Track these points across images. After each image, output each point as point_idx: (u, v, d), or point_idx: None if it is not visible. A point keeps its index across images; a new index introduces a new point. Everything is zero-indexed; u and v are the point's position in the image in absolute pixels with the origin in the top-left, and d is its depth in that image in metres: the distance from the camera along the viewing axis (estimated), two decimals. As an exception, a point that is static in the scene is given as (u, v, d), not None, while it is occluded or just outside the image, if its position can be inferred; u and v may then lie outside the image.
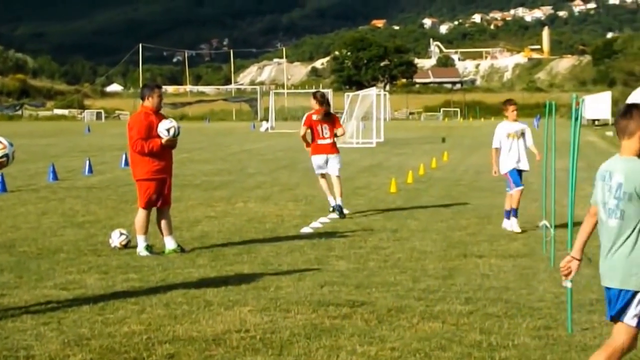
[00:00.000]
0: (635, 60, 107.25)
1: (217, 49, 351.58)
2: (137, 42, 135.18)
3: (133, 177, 12.99)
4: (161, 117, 12.84)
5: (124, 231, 13.32)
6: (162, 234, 12.87)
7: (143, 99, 12.87)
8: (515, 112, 15.86)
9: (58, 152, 39.03)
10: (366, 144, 44.99)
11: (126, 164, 30.03)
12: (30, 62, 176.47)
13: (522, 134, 15.57)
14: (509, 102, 16.33)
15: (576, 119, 8.30)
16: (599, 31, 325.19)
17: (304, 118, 16.99)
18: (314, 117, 16.89)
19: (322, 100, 17.03)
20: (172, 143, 12.65)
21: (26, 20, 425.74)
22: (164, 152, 12.68)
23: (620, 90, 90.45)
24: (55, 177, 24.68)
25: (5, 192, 21.18)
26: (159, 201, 12.77)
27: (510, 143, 15.40)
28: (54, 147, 43.73)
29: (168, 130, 12.52)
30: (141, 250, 12.61)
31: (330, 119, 17.11)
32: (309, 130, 17.01)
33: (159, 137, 12.53)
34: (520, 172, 15.45)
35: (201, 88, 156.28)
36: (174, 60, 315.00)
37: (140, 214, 12.78)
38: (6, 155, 9.02)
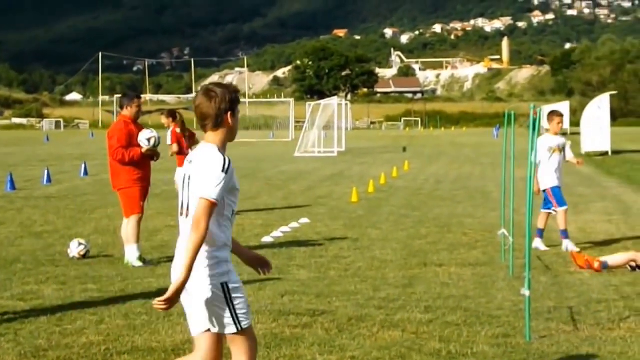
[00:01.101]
0: (593, 70, 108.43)
1: (178, 58, 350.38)
2: (97, 50, 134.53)
3: (113, 187, 12.87)
4: (140, 127, 12.80)
5: (82, 241, 13.21)
6: (127, 243, 12.70)
7: (122, 108, 12.80)
8: (560, 125, 14.52)
9: (16, 161, 38.67)
10: (328, 154, 45.05)
11: (86, 173, 29.87)
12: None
13: (564, 148, 14.60)
14: (554, 113, 14.57)
15: (534, 128, 8.36)
16: (557, 42, 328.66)
17: (170, 134, 16.93)
18: (177, 130, 16.93)
19: (174, 117, 17.01)
20: (151, 153, 12.60)
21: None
22: (144, 161, 12.62)
23: (579, 100, 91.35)
24: (13, 187, 24.46)
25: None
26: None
27: (552, 158, 14.26)
28: (12, 156, 43.32)
29: (148, 140, 12.49)
30: (134, 260, 12.44)
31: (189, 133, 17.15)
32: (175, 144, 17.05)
33: (139, 146, 12.48)
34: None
35: (161, 97, 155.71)
36: (135, 69, 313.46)
37: (131, 222, 12.56)
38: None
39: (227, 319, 5.55)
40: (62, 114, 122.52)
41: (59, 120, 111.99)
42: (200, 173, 5.48)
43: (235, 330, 5.57)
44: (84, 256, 12.93)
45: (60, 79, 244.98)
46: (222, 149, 5.64)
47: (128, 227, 12.55)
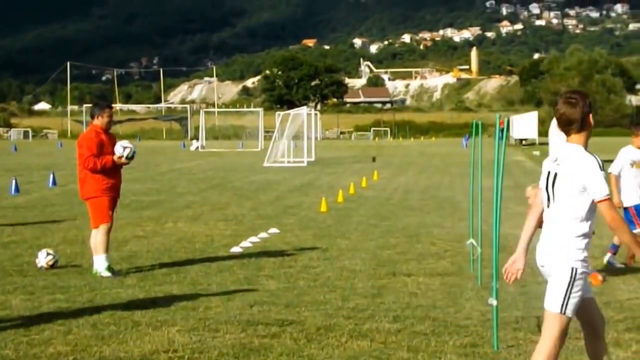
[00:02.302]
0: (561, 80, 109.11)
1: (147, 67, 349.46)
2: (66, 60, 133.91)
3: (81, 197, 12.78)
4: (112, 137, 12.76)
5: (50, 251, 13.14)
6: (96, 253, 12.64)
7: (93, 117, 12.72)
8: None
9: (-16, 171, 38.38)
10: (297, 163, 45.08)
11: (54, 183, 29.69)
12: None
13: None
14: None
15: (501, 138, 8.42)
16: (525, 52, 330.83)
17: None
18: None
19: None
20: (124, 163, 12.58)
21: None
22: (114, 170, 12.58)
23: (547, 110, 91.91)
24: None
25: None
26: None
27: (635, 173, 13.22)
28: (-20, 166, 43.02)
29: (124, 148, 12.45)
30: (102, 270, 12.34)
31: None
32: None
33: (112, 154, 12.46)
34: None
35: (131, 107, 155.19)
36: (103, 78, 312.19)
37: (100, 232, 12.45)
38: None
39: (558, 298, 6.23)
40: (31, 123, 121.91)
41: (27, 130, 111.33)
42: (581, 175, 6.06)
43: (557, 311, 6.27)
44: (52, 266, 12.86)
45: (28, 88, 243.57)
46: (586, 148, 6.18)
47: (97, 236, 12.48)
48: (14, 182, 27.36)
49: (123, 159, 12.52)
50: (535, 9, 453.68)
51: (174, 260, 13.84)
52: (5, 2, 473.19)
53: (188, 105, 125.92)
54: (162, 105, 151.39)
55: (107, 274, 12.31)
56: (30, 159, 51.94)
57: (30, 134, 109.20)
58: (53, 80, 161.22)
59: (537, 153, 54.32)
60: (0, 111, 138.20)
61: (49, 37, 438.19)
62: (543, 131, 67.24)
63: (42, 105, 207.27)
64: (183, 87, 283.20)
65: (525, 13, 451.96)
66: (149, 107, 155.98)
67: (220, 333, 8.89)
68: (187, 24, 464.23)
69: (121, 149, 12.47)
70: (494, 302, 8.38)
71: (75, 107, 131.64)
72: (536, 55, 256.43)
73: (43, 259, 12.93)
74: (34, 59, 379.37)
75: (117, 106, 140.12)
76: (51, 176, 30.23)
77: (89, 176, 12.46)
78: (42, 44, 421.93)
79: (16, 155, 59.08)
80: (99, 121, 12.64)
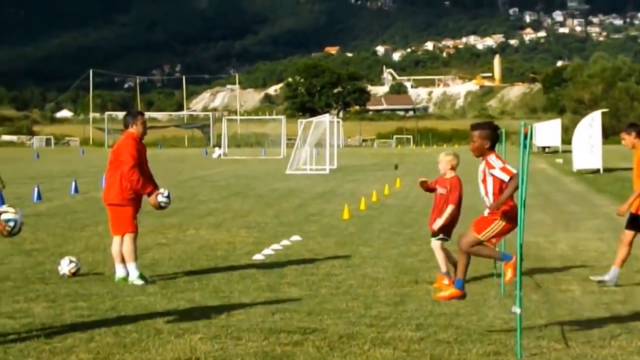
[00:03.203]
0: (584, 88, 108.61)
1: (169, 74, 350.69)
2: (88, 67, 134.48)
3: (105, 200, 12.70)
4: (145, 148, 12.77)
5: (73, 259, 13.16)
6: (119, 260, 12.59)
7: (127, 126, 12.71)
8: None
9: (6, 178, 38.35)
10: (319, 171, 45.02)
11: (76, 190, 29.78)
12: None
13: None
14: None
15: (525, 146, 8.37)
16: (549, 59, 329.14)
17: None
18: None
19: None
20: (160, 207, 12.79)
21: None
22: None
23: (570, 117, 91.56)
24: (3, 204, 24.33)
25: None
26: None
27: None
28: (2, 173, 43.05)
29: (166, 197, 12.76)
30: (135, 279, 12.36)
31: None
32: None
33: (151, 180, 12.73)
34: None
35: (153, 114, 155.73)
36: (125, 86, 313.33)
37: (127, 241, 12.48)
38: (14, 221, 9.17)
39: None
40: (53, 131, 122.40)
41: (49, 137, 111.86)
42: None
43: None
44: (75, 274, 12.87)
45: (50, 96, 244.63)
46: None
47: (125, 246, 12.48)
48: (36, 189, 27.47)
49: (158, 203, 12.71)
50: (558, 16, 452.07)
51: (196, 267, 13.84)
52: (28, 10, 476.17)
53: (210, 113, 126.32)
54: (185, 112, 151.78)
55: (140, 281, 12.32)
56: (52, 166, 52.16)
57: (53, 141, 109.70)
58: (75, 87, 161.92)
59: (560, 161, 54.05)
60: (23, 119, 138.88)
61: (71, 45, 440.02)
62: (566, 139, 66.95)
63: (65, 113, 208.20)
64: (205, 95, 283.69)
65: (549, 20, 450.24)
66: (170, 115, 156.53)
67: (243, 341, 8.86)
68: (210, 32, 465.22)
69: (162, 197, 12.67)
70: (518, 310, 8.32)
71: (97, 115, 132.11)
72: (559, 63, 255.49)
73: (66, 266, 12.94)
74: (57, 67, 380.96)
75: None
76: (73, 184, 30.32)
77: (118, 183, 12.44)
78: (64, 51, 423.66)
79: (38, 162, 59.35)
80: (135, 129, 12.64)
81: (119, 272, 12.59)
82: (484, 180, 9.04)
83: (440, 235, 12.40)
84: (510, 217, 8.91)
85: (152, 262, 14.41)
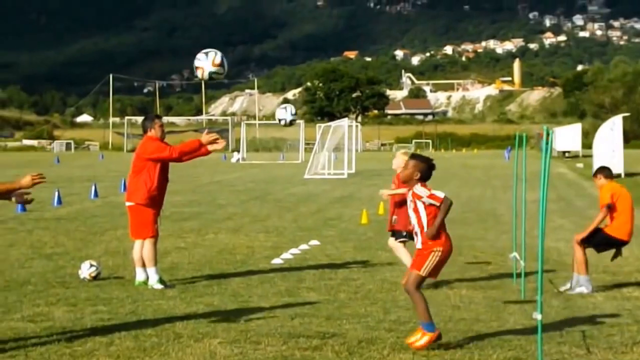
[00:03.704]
0: (605, 92, 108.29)
1: (188, 79, 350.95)
2: (108, 72, 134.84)
3: (127, 199, 12.62)
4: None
5: (94, 263, 13.18)
6: (139, 264, 12.59)
7: (145, 131, 12.75)
8: None
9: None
10: (338, 175, 45.00)
11: (96, 195, 29.87)
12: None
13: None
14: None
15: (545, 150, 8.33)
16: (569, 63, 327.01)
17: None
18: None
19: None
20: (217, 143, 12.53)
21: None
22: (163, 183, 12.59)
23: (591, 122, 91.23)
24: (24, 208, 24.40)
25: (-28, 223, 20.97)
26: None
27: None
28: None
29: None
30: (154, 283, 12.37)
31: None
32: None
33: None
34: None
35: (172, 119, 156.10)
36: (145, 90, 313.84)
37: (147, 245, 12.48)
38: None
39: None
40: (73, 135, 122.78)
41: (70, 141, 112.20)
42: None
43: None
44: (95, 278, 12.90)
45: (71, 100, 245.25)
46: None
47: (145, 250, 12.49)
48: (56, 193, 27.56)
49: (214, 136, 12.51)
50: (579, 20, 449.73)
51: (215, 271, 13.85)
52: (50, 15, 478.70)
53: (229, 118, 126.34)
54: (203, 117, 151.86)
55: (160, 285, 12.34)
56: (72, 170, 52.33)
57: (73, 145, 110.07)
58: (95, 92, 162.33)
59: (580, 165, 53.86)
60: (44, 123, 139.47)
61: (92, 50, 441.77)
62: (587, 143, 66.72)
63: (85, 118, 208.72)
64: (224, 99, 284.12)
65: (569, 24, 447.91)
66: (189, 119, 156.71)
67: (262, 345, 8.86)
68: (229, 36, 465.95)
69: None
70: (539, 316, 8.27)
71: (117, 119, 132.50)
72: (580, 67, 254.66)
73: (86, 270, 12.97)
74: (77, 72, 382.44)
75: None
76: (93, 188, 30.42)
77: (141, 182, 12.44)
78: (85, 56, 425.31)
79: (59, 167, 59.56)
80: (154, 132, 12.67)
81: (139, 276, 12.60)
82: (415, 210, 8.97)
83: (405, 235, 12.39)
84: (444, 244, 8.90)
85: (171, 266, 14.43)
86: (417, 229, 8.96)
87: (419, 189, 8.99)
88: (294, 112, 11.58)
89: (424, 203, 8.91)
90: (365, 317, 10.29)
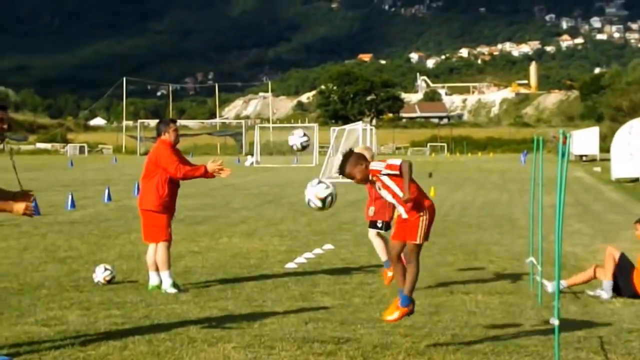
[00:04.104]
0: (623, 95, 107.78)
1: (202, 82, 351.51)
2: (121, 75, 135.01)
3: (139, 205, 12.63)
4: (178, 152, 12.72)
5: (109, 267, 13.16)
6: (152, 268, 12.57)
7: (159, 134, 12.72)
8: None
9: (40, 186, 38.76)
10: (352, 179, 44.82)
11: (109, 198, 29.88)
12: (12, 96, 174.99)
13: None
14: None
15: (563, 154, 8.24)
16: (586, 66, 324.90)
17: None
18: None
19: None
20: (219, 169, 12.43)
21: (8, 53, 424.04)
22: (175, 189, 12.57)
23: (608, 125, 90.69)
24: (37, 212, 24.39)
25: (-13, 227, 20.96)
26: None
27: None
28: (36, 181, 43.43)
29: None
30: (168, 287, 12.35)
31: None
32: None
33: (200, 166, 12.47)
34: None
35: (185, 122, 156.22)
36: (158, 93, 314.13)
37: (160, 249, 12.47)
38: (331, 195, 9.76)
39: None
40: (86, 139, 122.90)
41: (83, 145, 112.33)
42: None
43: None
44: (109, 282, 12.87)
45: (84, 103, 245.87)
46: None
47: (158, 254, 12.46)
48: (70, 197, 27.57)
49: (219, 165, 12.44)
50: (596, 22, 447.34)
51: (229, 275, 13.81)
52: (63, 18, 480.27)
53: (243, 121, 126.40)
54: (217, 120, 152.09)
55: (173, 290, 12.31)
56: (85, 174, 52.40)
57: (86, 149, 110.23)
58: (109, 95, 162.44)
59: (598, 169, 53.61)
60: (57, 127, 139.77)
61: (105, 53, 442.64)
62: (604, 147, 66.38)
63: (98, 121, 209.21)
64: (238, 103, 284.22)
65: (586, 27, 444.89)
66: (203, 123, 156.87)
67: (276, 350, 8.80)
68: (243, 39, 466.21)
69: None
70: (556, 322, 8.18)
71: (131, 123, 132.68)
72: (597, 70, 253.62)
73: (101, 274, 12.94)
74: (91, 75, 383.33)
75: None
76: (106, 191, 30.43)
77: (154, 190, 12.44)
78: (98, 59, 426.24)
79: (72, 170, 59.68)
80: (168, 137, 12.64)
81: (153, 280, 12.57)
82: (384, 186, 8.89)
83: (381, 227, 12.76)
84: (427, 206, 8.93)
85: (185, 270, 14.39)
86: (395, 202, 8.84)
87: (374, 165, 8.86)
88: (301, 134, 11.41)
89: (387, 175, 8.78)
90: (380, 322, 10.19)
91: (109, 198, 29.95)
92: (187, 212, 25.04)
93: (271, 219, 23.72)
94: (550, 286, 11.68)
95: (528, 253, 12.77)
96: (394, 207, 9.66)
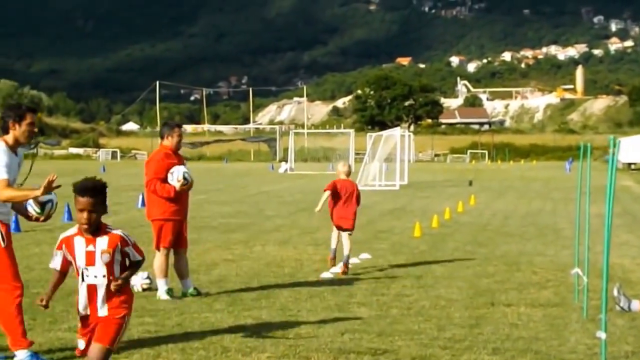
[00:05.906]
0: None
1: (236, 87, 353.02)
2: (154, 79, 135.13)
3: (147, 217, 12.75)
4: (180, 158, 12.59)
5: (149, 275, 13.00)
6: (178, 276, 12.66)
7: (162, 137, 12.64)
8: None
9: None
10: (389, 187, 44.53)
11: (142, 204, 29.78)
12: (46, 100, 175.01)
13: None
14: None
15: (611, 161, 7.95)
16: (636, 70, 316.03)
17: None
18: None
19: None
20: (186, 188, 12.41)
21: (41, 57, 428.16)
22: (181, 194, 12.46)
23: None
24: (71, 218, 24.36)
25: (20, 232, 20.82)
26: (175, 242, 12.52)
27: None
28: (69, 186, 42.99)
29: (185, 176, 12.27)
30: (162, 293, 12.34)
31: None
32: None
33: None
34: None
35: (219, 127, 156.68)
36: (192, 98, 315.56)
37: (159, 256, 12.49)
38: (50, 201, 9.05)
39: None
40: (119, 144, 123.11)
41: (116, 150, 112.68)
42: None
43: None
44: (145, 290, 12.77)
45: (117, 108, 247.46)
46: None
47: (156, 260, 12.49)
48: (104, 202, 27.44)
49: (182, 186, 12.35)
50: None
51: (262, 284, 13.63)
52: (97, 22, 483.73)
53: (277, 126, 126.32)
54: (251, 126, 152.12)
55: (166, 297, 12.28)
56: (118, 179, 52.39)
57: (119, 154, 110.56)
58: (142, 100, 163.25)
59: None
60: (90, 131, 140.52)
61: (138, 57, 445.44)
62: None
63: (130, 126, 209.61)
64: (272, 108, 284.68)
65: (637, 29, 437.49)
66: (236, 128, 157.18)
67: (312, 361, 8.64)
68: (278, 42, 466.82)
69: (176, 182, 12.26)
70: (603, 335, 7.91)
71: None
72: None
73: (140, 280, 12.82)
74: (123, 79, 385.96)
75: (205, 127, 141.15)
76: (140, 197, 30.31)
77: (155, 198, 12.43)
78: (131, 63, 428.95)
79: (105, 175, 59.58)
80: (169, 141, 12.54)
81: (185, 286, 12.59)
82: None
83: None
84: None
85: (219, 278, 14.24)
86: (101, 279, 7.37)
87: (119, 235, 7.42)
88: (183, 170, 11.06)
89: (123, 253, 7.44)
90: (418, 334, 10.01)
91: (143, 204, 29.84)
92: (220, 220, 24.92)
93: (306, 227, 23.50)
94: (623, 300, 11.37)
95: (573, 264, 12.44)
96: None
